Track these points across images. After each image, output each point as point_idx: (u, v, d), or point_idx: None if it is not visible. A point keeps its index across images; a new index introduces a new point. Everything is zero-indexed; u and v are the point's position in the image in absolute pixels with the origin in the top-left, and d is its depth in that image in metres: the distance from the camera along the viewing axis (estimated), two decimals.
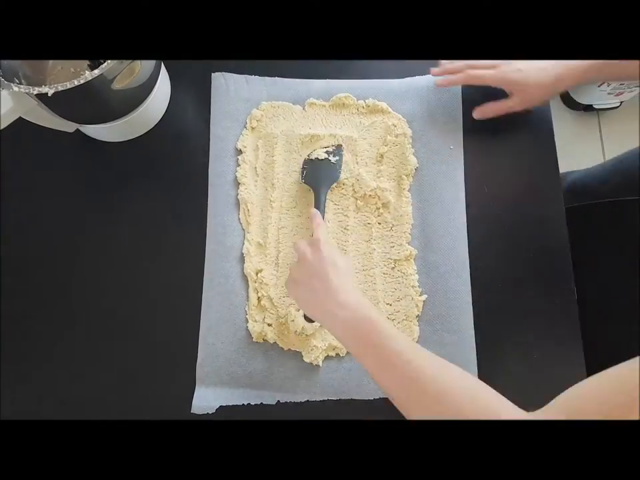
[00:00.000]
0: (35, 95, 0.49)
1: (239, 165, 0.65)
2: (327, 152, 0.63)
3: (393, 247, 0.62)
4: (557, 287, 0.61)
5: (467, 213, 0.63)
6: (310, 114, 0.67)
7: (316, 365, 0.58)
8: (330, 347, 0.58)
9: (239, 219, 0.63)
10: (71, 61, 0.61)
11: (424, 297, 0.60)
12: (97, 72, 0.49)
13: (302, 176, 0.62)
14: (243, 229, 0.63)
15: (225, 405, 0.57)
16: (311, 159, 0.63)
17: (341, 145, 0.64)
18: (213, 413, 0.57)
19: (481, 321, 0.59)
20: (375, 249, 0.61)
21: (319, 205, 0.60)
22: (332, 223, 0.62)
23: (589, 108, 1.45)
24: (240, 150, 0.65)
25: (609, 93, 1.37)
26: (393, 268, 0.61)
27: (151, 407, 0.58)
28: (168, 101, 0.67)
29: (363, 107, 0.67)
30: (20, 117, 0.53)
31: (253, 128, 0.66)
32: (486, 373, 0.58)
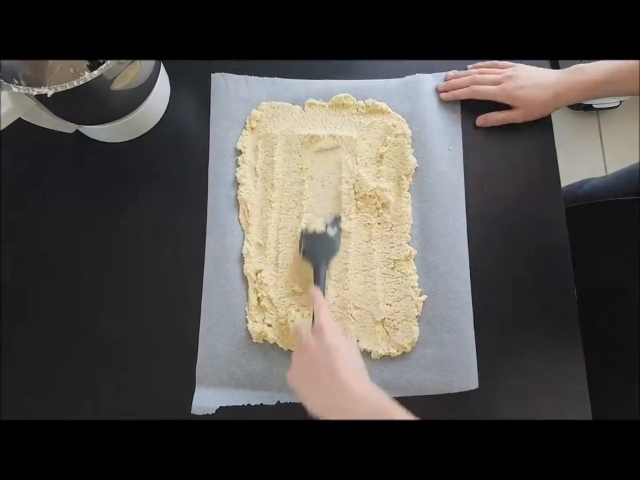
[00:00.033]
0: (35, 95, 0.49)
1: (238, 166, 0.65)
2: (325, 224, 0.61)
3: (393, 247, 0.62)
4: (557, 287, 0.61)
5: (466, 213, 0.63)
6: (309, 114, 0.67)
7: None
8: None
9: (239, 219, 0.63)
10: (71, 61, 0.61)
11: (424, 297, 0.60)
12: (96, 73, 0.49)
13: (300, 251, 0.60)
14: (243, 230, 0.63)
15: (224, 405, 0.57)
16: (309, 233, 0.61)
17: (340, 217, 0.62)
18: (212, 414, 0.56)
19: (480, 321, 0.59)
20: (374, 249, 0.61)
21: (318, 280, 0.57)
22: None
23: (588, 107, 1.46)
24: (239, 150, 0.65)
25: None
26: (392, 268, 0.61)
27: (150, 408, 0.58)
28: (167, 102, 0.67)
29: (363, 107, 0.67)
30: (20, 118, 0.53)
31: (252, 128, 0.66)
32: (485, 373, 0.58)
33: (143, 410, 0.58)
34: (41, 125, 0.58)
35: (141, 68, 0.56)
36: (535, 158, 0.66)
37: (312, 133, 0.65)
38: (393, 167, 0.64)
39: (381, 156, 0.65)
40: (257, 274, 0.61)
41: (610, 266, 0.69)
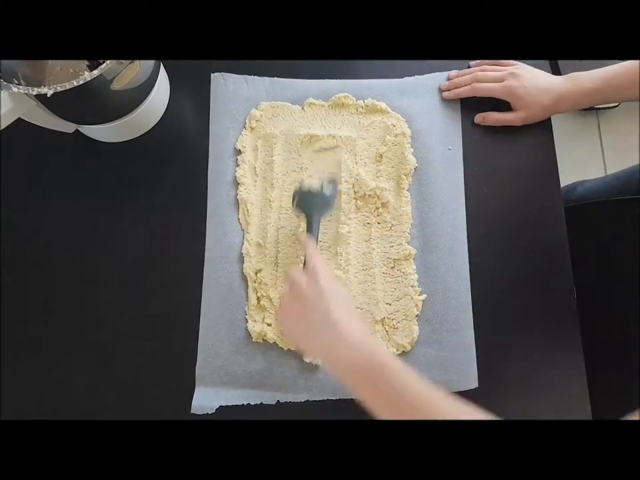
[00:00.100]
0: (34, 95, 0.49)
1: (238, 165, 0.65)
2: (321, 183, 0.60)
3: (392, 246, 0.62)
4: (556, 287, 0.61)
5: (466, 213, 0.63)
6: (309, 114, 0.67)
7: (315, 364, 0.58)
8: None
9: (239, 219, 0.63)
10: (70, 61, 0.61)
11: (423, 296, 0.60)
12: (96, 72, 0.49)
13: (292, 204, 0.59)
14: (242, 229, 0.63)
15: (224, 405, 0.57)
16: (304, 190, 0.59)
17: (335, 180, 0.61)
18: (212, 413, 0.57)
19: (480, 321, 0.59)
20: (374, 249, 0.61)
21: (311, 230, 0.56)
22: (332, 223, 0.62)
23: (588, 108, 1.45)
24: (239, 150, 0.65)
25: None
26: (392, 267, 0.61)
27: (150, 407, 0.58)
28: (167, 101, 0.67)
29: (362, 107, 0.67)
30: (19, 118, 0.53)
31: (252, 128, 0.66)
32: (485, 373, 0.58)
33: (142, 409, 0.58)
34: (40, 125, 0.58)
35: (140, 68, 0.56)
36: (534, 158, 0.66)
37: (311, 132, 0.65)
38: (393, 167, 0.64)
39: (381, 155, 0.65)
40: (256, 273, 0.61)
41: (610, 266, 0.69)
